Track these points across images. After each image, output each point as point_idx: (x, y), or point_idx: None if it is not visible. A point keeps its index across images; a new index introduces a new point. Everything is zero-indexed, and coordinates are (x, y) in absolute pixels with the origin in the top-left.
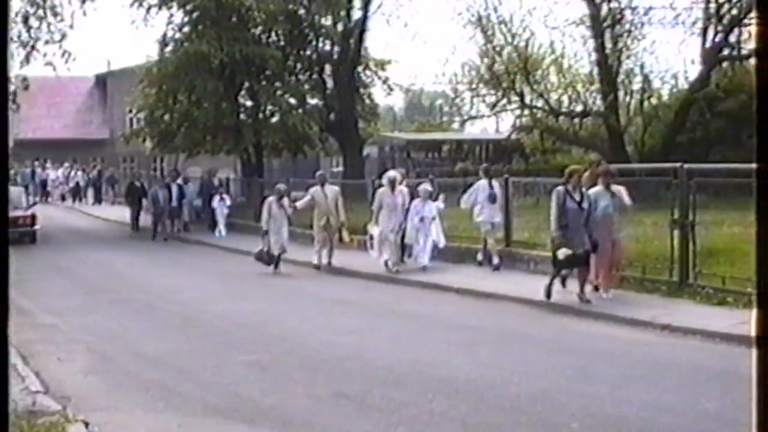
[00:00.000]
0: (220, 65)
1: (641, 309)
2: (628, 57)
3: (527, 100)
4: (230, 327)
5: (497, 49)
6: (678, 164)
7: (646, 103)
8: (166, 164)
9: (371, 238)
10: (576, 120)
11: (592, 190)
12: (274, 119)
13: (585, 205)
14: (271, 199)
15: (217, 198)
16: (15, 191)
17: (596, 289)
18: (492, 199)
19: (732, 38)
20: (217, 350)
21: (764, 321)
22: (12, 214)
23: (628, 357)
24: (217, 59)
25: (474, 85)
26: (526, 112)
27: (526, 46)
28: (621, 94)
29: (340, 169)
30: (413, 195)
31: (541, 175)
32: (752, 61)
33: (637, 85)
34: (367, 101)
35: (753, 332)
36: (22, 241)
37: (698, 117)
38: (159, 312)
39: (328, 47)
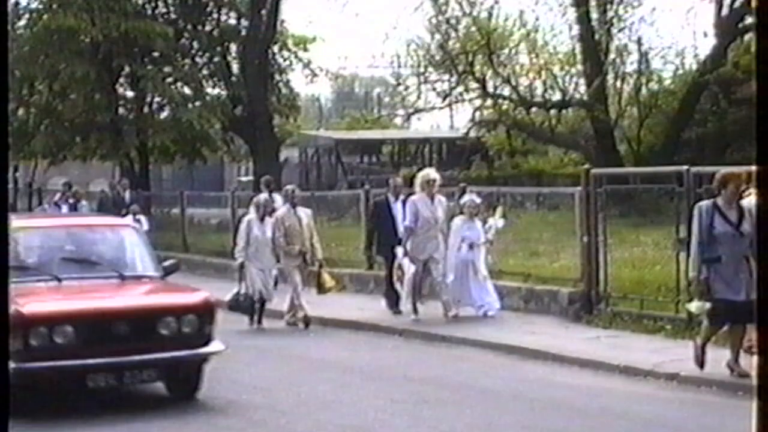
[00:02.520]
0: (91, 44)
1: (640, 354)
2: (620, 30)
3: (490, 87)
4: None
5: (451, 21)
6: (684, 167)
7: (643, 90)
8: (21, 174)
9: (403, 272)
10: (553, 112)
11: (746, 203)
12: (164, 114)
13: (746, 227)
14: (251, 216)
15: (129, 220)
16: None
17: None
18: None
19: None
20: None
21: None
22: (126, 297)
23: (623, 416)
24: (88, 36)
25: (422, 69)
26: (489, 102)
27: (489, 17)
28: (611, 78)
29: (250, 178)
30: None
31: (509, 183)
32: None
33: (631, 67)
34: (285, 90)
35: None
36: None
37: (711, 106)
38: None
39: (233, 21)
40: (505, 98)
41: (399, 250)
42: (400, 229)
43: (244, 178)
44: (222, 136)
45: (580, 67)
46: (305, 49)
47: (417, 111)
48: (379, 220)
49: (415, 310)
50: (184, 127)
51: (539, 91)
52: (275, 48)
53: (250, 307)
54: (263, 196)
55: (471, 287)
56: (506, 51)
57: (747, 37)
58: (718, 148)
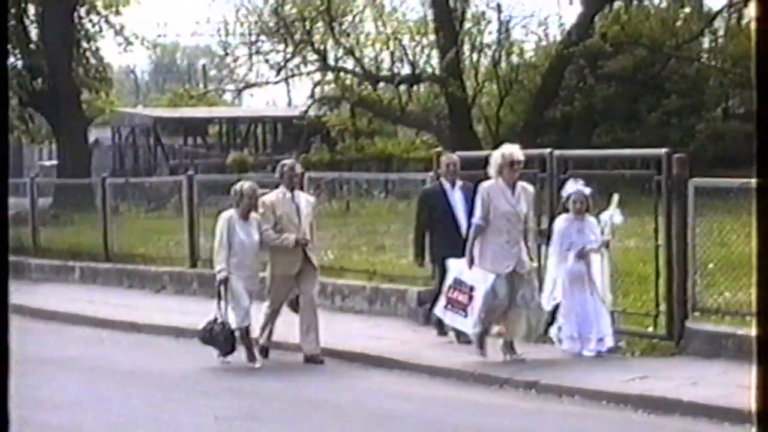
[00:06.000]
0: None
1: (497, 361)
2: None
3: (331, 59)
4: None
5: None
6: (547, 151)
7: (503, 63)
8: None
9: (468, 289)
10: (402, 88)
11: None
12: None
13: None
14: (231, 213)
15: None
16: None
17: None
18: None
19: None
20: None
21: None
22: None
23: (479, 430)
24: None
25: (253, 38)
26: (330, 76)
27: None
28: (467, 50)
29: (54, 162)
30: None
31: (354, 168)
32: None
33: (490, 37)
34: (94, 60)
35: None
36: None
37: (577, 82)
38: None
39: None
40: (348, 72)
41: (453, 262)
42: (463, 225)
43: (46, 163)
44: (19, 112)
45: (432, 37)
46: (117, 13)
47: (248, 86)
48: (432, 214)
49: (482, 345)
50: None
51: (387, 64)
52: (82, 11)
53: (229, 338)
54: (247, 183)
55: (588, 312)
56: (349, 18)
57: (616, 4)
58: (585, 128)
